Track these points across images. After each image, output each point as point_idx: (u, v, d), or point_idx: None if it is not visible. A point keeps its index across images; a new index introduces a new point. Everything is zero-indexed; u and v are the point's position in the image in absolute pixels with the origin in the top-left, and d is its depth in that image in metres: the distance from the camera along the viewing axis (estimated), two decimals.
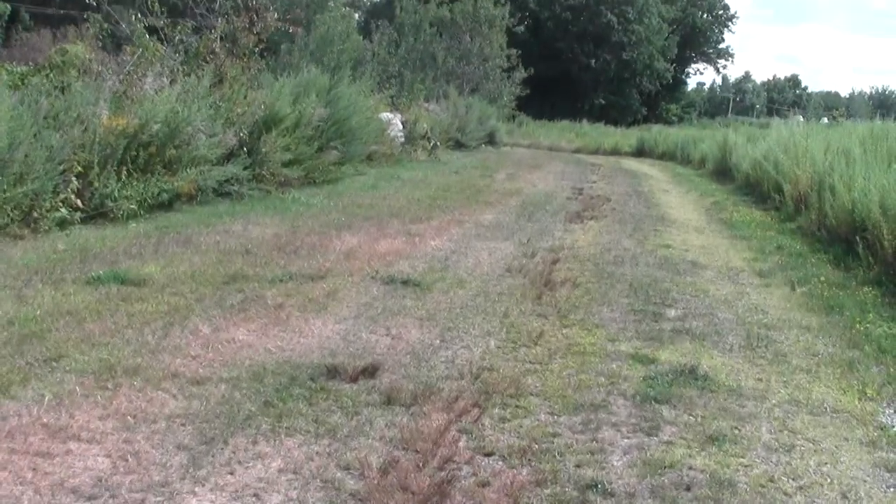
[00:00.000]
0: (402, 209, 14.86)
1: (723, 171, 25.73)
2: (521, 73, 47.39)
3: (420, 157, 27.25)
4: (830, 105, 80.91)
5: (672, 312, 8.54)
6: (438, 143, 29.93)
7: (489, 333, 7.43)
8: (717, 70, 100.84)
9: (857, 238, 11.42)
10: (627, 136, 48.64)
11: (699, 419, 5.66)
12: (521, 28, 51.01)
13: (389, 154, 24.86)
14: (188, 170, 13.32)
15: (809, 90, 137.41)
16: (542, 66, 53.99)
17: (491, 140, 39.84)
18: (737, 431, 5.52)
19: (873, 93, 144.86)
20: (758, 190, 20.28)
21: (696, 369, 6.57)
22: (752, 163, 21.62)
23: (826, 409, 6.08)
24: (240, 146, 15.27)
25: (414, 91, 34.21)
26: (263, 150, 15.71)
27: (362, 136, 21.22)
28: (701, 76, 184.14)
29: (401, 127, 27.36)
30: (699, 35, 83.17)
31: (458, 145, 34.30)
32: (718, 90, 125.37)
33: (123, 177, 12.25)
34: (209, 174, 13.84)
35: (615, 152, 43.64)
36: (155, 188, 12.63)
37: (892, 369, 6.99)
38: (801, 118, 51.44)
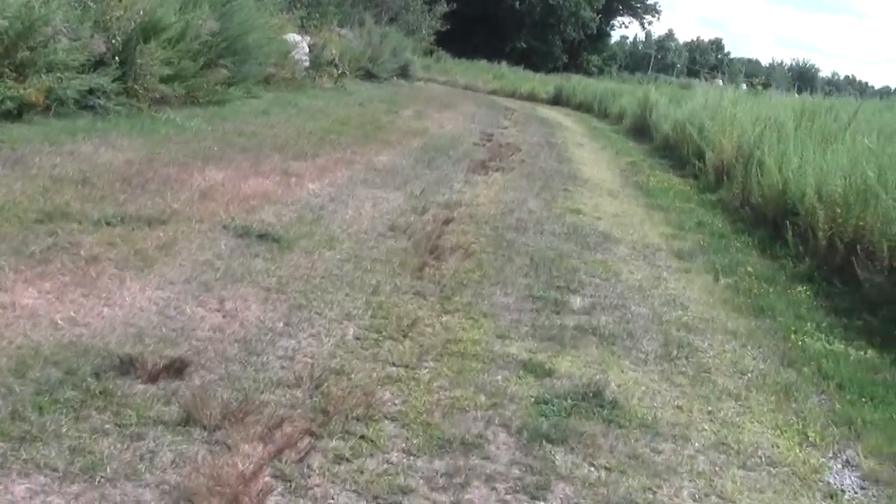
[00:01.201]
0: (289, 142, 13.26)
1: (641, 130, 24.52)
2: (442, 7, 45.74)
3: (325, 85, 25.48)
4: (751, 73, 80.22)
5: (578, 301, 7.16)
6: (347, 72, 28.19)
7: (349, 317, 5.97)
8: (643, 25, 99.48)
9: (787, 223, 10.19)
10: (545, 83, 47.22)
11: (602, 474, 4.27)
12: None
13: (291, 79, 23.02)
14: (42, 76, 11.54)
15: (732, 55, 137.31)
16: (466, 3, 52.16)
17: (404, 73, 38.09)
18: (651, 497, 4.16)
19: (793, 65, 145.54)
20: (677, 153, 19.11)
21: (602, 391, 5.18)
22: (673, 124, 20.42)
23: (761, 459, 4.75)
24: (111, 55, 13.42)
25: (327, 14, 32.33)
26: (139, 61, 13.85)
27: (259, 56, 19.35)
28: (626, 30, 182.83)
29: (307, 51, 25.55)
30: None
31: (369, 76, 32.52)
32: (641, 46, 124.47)
33: None
34: (69, 83, 12.04)
35: (531, 98, 42.27)
36: None
37: (837, 404, 5.70)
38: (720, 82, 50.63)
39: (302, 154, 12.26)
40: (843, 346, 6.84)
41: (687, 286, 8.27)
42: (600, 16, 74.11)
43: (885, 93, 44.55)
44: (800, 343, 6.80)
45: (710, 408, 5.35)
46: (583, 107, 37.45)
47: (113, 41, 13.34)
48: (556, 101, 41.30)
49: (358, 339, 5.60)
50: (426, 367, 5.28)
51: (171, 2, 15.14)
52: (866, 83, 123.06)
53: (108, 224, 7.06)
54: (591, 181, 14.75)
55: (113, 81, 13.05)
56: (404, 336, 5.75)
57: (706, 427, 5.05)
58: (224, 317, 5.62)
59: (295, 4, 29.03)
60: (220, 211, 8.18)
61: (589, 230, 10.20)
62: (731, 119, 16.05)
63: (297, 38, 24.90)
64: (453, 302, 6.63)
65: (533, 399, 5.01)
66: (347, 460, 4.04)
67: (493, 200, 11.14)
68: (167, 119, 13.43)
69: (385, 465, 4.04)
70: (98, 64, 13.05)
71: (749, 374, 6.05)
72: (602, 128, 28.25)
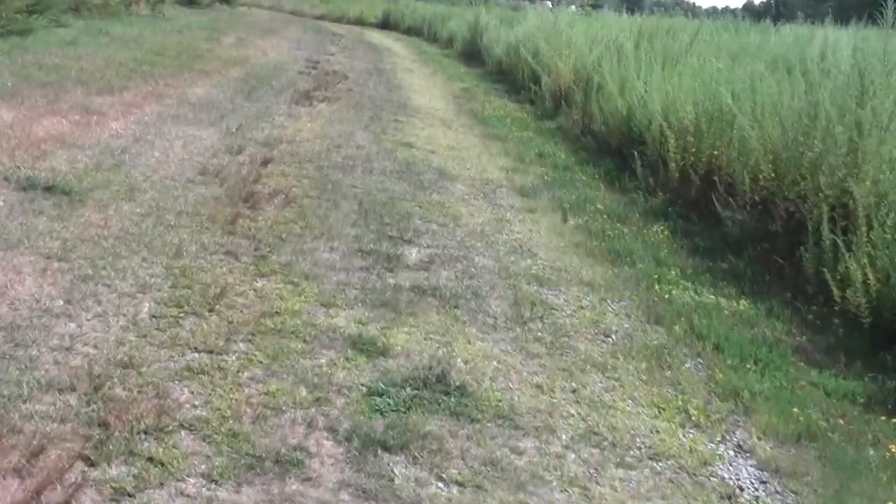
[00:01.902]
0: (95, 74, 11.95)
1: (472, 54, 23.71)
2: None
3: (142, 12, 23.87)
4: None
5: (413, 254, 6.26)
6: None
7: (145, 288, 4.94)
8: None
9: (635, 153, 9.50)
10: (373, 7, 45.83)
11: (454, 492, 3.39)
12: None
13: (104, 6, 21.36)
14: None
15: None
16: None
17: None
18: None
19: None
20: (511, 78, 18.39)
21: (447, 373, 4.30)
22: (506, 48, 19.68)
23: (641, 451, 3.96)
24: None
25: None
26: None
27: None
28: None
29: None
30: None
31: (190, 1, 30.80)
32: None
33: None
34: None
35: (360, 22, 40.93)
36: None
37: (717, 370, 4.93)
38: (549, 4, 50.17)
39: (108, 88, 11.01)
40: (713, 297, 6.10)
41: (534, 229, 7.48)
42: None
43: (713, 13, 44.65)
44: (666, 295, 6.03)
45: (574, 384, 4.54)
46: (412, 31, 36.38)
47: None
48: (385, 25, 40.10)
49: (154, 317, 4.60)
50: (235, 352, 4.32)
51: None
52: (693, 3, 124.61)
53: None
54: (423, 110, 13.82)
55: None
56: (210, 310, 4.78)
57: (573, 412, 4.23)
58: None
59: None
60: (2, 158, 7.04)
61: (423, 166, 9.30)
62: (567, 41, 15.31)
63: None
64: (270, 262, 5.65)
65: (365, 389, 4.09)
66: (129, 495, 3.09)
67: (317, 135, 10.13)
68: None
69: (178, 500, 3.10)
70: None
71: (613, 336, 5.28)
72: (432, 52, 27.27)
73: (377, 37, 32.29)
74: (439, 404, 4.02)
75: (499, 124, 13.09)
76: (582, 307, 5.71)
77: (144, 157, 7.88)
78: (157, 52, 15.63)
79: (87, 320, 4.43)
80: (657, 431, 4.16)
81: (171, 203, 6.59)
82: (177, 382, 3.92)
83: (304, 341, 4.54)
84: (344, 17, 42.12)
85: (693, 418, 4.34)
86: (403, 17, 39.51)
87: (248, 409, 3.77)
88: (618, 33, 15.10)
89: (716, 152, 8.17)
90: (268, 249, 5.88)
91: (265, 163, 8.27)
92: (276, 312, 4.86)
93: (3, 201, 6.05)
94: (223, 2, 35.45)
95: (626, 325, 5.48)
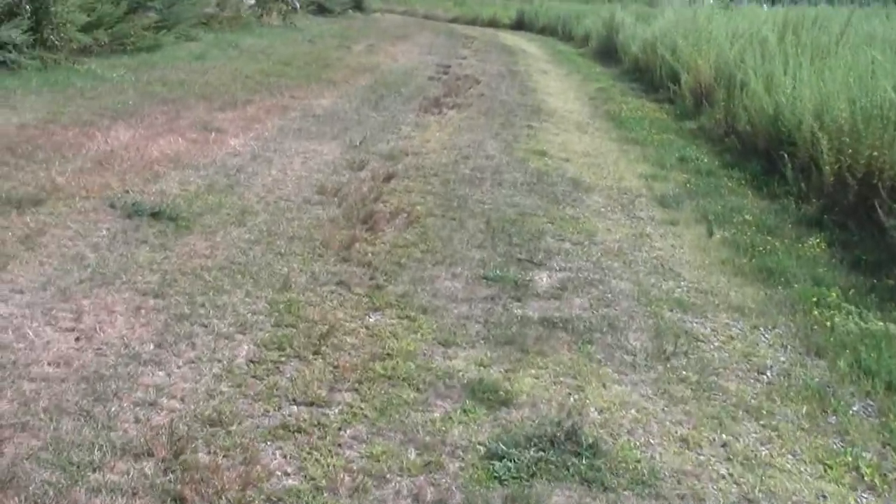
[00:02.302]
0: (220, 88, 11.78)
1: (608, 52, 22.98)
2: None
3: (273, 23, 23.85)
4: None
5: (544, 279, 5.73)
6: (298, 7, 26.50)
7: (245, 328, 4.53)
8: None
9: (784, 155, 8.76)
10: (507, 8, 45.34)
11: None
12: None
13: (235, 18, 21.43)
14: None
15: None
16: None
17: (359, 5, 36.19)
18: None
19: None
20: (648, 76, 17.62)
21: (579, 428, 3.75)
22: (642, 45, 18.94)
23: None
24: (20, 4, 11.93)
25: None
26: (53, 9, 12.36)
27: None
28: None
29: None
30: None
31: (322, 10, 30.76)
32: None
33: None
34: None
35: (493, 24, 40.43)
36: None
37: (891, 416, 4.20)
38: None
39: (231, 103, 10.80)
40: (881, 323, 5.36)
41: (676, 244, 6.86)
42: None
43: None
44: (826, 322, 5.32)
45: (724, 436, 3.94)
46: (546, 30, 35.73)
47: None
48: (519, 25, 39.51)
49: (252, 362, 4.18)
50: (338, 404, 3.86)
51: None
52: None
53: None
54: (558, 113, 13.23)
55: (24, 33, 11.63)
56: (315, 353, 4.33)
57: (723, 472, 3.64)
58: (77, 339, 4.22)
59: None
60: (113, 182, 6.80)
61: (556, 177, 8.73)
62: (707, 37, 14.55)
63: None
64: (385, 293, 5.19)
65: (483, 450, 3.58)
66: None
67: (445, 145, 9.66)
68: (87, 70, 12.12)
69: None
70: (8, 15, 11.68)
71: (768, 373, 4.65)
72: (567, 51, 26.58)
73: (510, 38, 31.72)
74: (568, 469, 3.48)
75: (637, 126, 12.42)
76: (731, 337, 5.09)
77: (260, 175, 7.54)
78: (285, 63, 15.46)
79: (178, 368, 4.04)
80: (824, 496, 3.55)
81: (283, 227, 6.21)
82: (269, 443, 3.49)
83: (418, 389, 4.05)
84: (477, 19, 41.71)
85: (866, 478, 3.70)
86: (538, 16, 38.88)
87: (347, 478, 3.30)
88: (760, 26, 14.28)
89: (875, 153, 7.42)
90: (384, 278, 5.43)
91: (388, 178, 7.84)
92: (388, 354, 4.39)
93: (106, 231, 5.76)
94: (356, 9, 35.37)
95: (781, 359, 4.85)
